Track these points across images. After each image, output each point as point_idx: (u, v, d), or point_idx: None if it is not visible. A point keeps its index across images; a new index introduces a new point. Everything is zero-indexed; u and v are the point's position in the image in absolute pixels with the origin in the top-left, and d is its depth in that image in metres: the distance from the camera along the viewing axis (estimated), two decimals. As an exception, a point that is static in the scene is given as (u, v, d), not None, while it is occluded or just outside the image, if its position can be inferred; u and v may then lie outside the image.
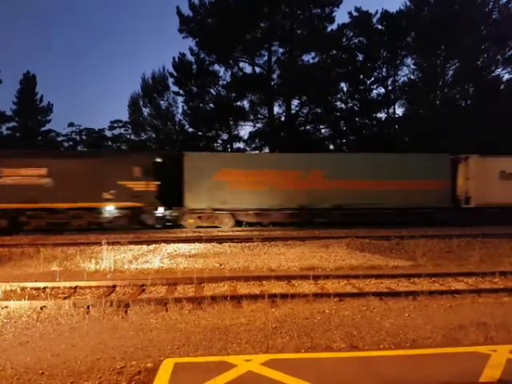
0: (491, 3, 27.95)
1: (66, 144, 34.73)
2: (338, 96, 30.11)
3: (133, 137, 33.88)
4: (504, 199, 16.47)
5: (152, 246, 11.15)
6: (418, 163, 16.80)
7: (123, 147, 33.65)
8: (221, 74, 29.27)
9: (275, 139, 28.56)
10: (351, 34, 29.67)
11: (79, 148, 34.49)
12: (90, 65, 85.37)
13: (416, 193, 16.20)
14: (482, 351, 3.74)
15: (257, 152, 19.83)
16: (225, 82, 29.42)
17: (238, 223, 16.36)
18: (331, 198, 16.03)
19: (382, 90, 31.03)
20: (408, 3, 29.87)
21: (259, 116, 30.32)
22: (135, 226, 15.29)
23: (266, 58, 28.77)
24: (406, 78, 30.77)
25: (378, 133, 29.87)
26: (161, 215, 15.79)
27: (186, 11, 28.12)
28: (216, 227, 15.58)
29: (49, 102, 34.84)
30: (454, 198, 16.93)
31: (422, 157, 17.32)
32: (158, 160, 15.78)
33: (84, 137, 35.58)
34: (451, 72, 29.49)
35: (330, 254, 9.71)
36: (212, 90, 29.80)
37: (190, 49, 28.78)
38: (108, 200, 14.88)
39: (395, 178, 16.28)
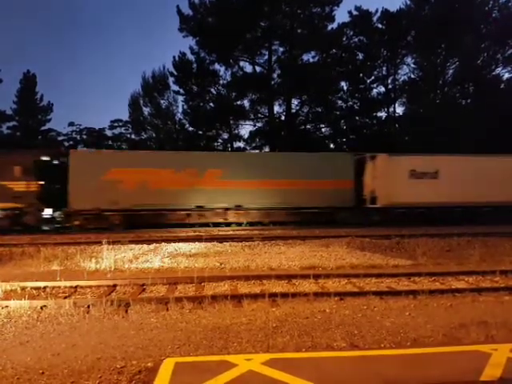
0: (491, 2, 27.94)
1: (66, 143, 34.74)
2: (339, 95, 30.14)
3: (133, 136, 33.92)
4: (413, 199, 16.14)
5: (152, 246, 11.16)
6: (319, 163, 16.55)
7: (124, 146, 33.66)
8: (221, 73, 29.33)
9: (275, 138, 28.56)
10: (351, 33, 29.68)
11: (79, 147, 34.49)
12: (91, 64, 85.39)
13: (317, 192, 15.98)
14: (482, 350, 3.73)
15: (151, 151, 19.09)
16: (225, 81, 29.47)
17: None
18: (228, 198, 15.75)
19: (383, 89, 31.08)
20: (408, 2, 29.91)
21: (259, 115, 30.33)
22: (17, 228, 14.50)
23: (266, 57, 28.80)
24: (406, 77, 30.84)
25: (378, 132, 29.86)
26: (49, 217, 15.16)
27: (186, 10, 28.18)
28: (106, 229, 14.57)
29: (49, 102, 34.91)
30: (360, 197, 16.66)
31: (323, 156, 17.12)
32: (45, 158, 15.05)
33: (84, 136, 35.60)
34: (451, 71, 29.52)
35: (330, 253, 9.71)
36: (212, 89, 29.83)
37: (191, 48, 28.83)
38: None
39: (295, 177, 16.03)
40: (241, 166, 16.05)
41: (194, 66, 29.07)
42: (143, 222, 15.27)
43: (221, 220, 16.02)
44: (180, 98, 30.69)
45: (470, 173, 16.43)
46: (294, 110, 29.61)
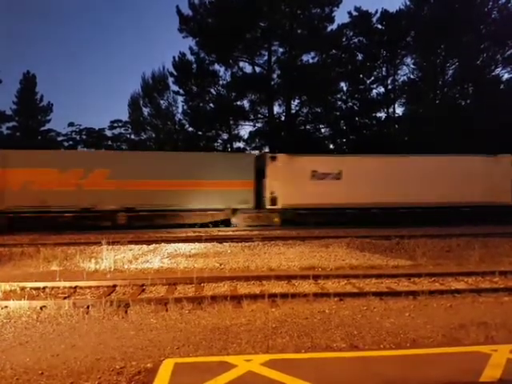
0: (490, 3, 27.93)
1: (66, 144, 34.75)
2: (338, 95, 30.13)
3: (133, 136, 33.90)
4: (316, 200, 15.66)
5: (152, 246, 11.15)
6: (217, 163, 15.92)
7: (123, 147, 33.67)
8: (221, 73, 29.31)
9: (275, 139, 28.55)
10: (351, 33, 29.67)
11: (79, 148, 34.50)
12: (90, 64, 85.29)
13: (214, 193, 15.46)
14: (482, 351, 3.73)
15: (36, 150, 18.34)
16: (225, 82, 29.44)
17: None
18: (118, 200, 14.96)
19: (382, 90, 31.05)
20: (408, 3, 29.88)
21: (259, 116, 30.32)
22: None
23: (265, 57, 28.78)
24: (405, 78, 30.80)
25: (377, 132, 29.87)
26: None
27: (186, 11, 28.14)
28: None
29: (49, 102, 34.89)
30: (261, 199, 16.09)
31: (221, 156, 16.69)
32: None
33: (84, 136, 35.60)
34: (451, 71, 29.51)
35: (330, 254, 9.71)
36: (212, 90, 29.81)
37: (190, 48, 28.81)
38: None
39: (190, 178, 15.29)
40: (131, 166, 15.15)
41: (194, 66, 29.07)
42: (26, 225, 14.25)
43: (109, 224, 14.88)
44: (180, 99, 30.70)
45: (376, 173, 16.12)
46: (293, 111, 29.63)
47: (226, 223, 15.96)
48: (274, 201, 15.84)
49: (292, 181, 15.82)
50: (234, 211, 15.85)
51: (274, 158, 16.23)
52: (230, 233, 14.43)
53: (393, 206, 16.17)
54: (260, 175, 16.23)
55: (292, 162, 16.15)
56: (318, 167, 16.19)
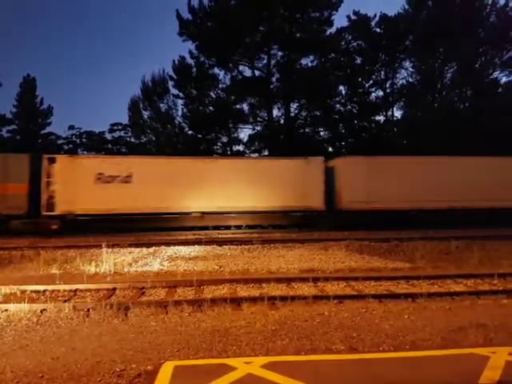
0: (489, 6, 28.13)
1: (66, 147, 34.79)
2: (337, 99, 30.24)
3: (133, 139, 33.96)
4: (101, 205, 14.63)
5: (152, 249, 11.16)
6: None
7: (123, 150, 33.71)
8: (220, 77, 29.43)
9: (274, 142, 28.61)
10: (350, 37, 29.85)
11: (79, 151, 34.54)
12: (90, 67, 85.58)
13: None
14: (481, 353, 3.75)
15: None
16: (224, 85, 29.56)
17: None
18: None
19: (381, 93, 31.21)
20: (406, 6, 30.10)
21: (258, 119, 30.41)
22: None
23: (265, 61, 28.91)
24: (404, 81, 30.98)
25: (376, 135, 29.95)
26: None
27: (186, 15, 28.30)
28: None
29: (49, 105, 34.97)
30: (37, 204, 14.58)
31: None
32: None
33: (84, 140, 35.67)
34: (449, 75, 29.67)
35: (329, 257, 9.72)
36: (212, 93, 29.93)
37: (190, 52, 28.95)
38: None
39: None
40: None
41: (194, 69, 29.20)
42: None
43: None
44: (179, 102, 30.79)
45: (171, 176, 15.33)
46: (292, 114, 29.73)
47: None
48: (51, 206, 14.54)
49: (74, 185, 14.60)
50: (7, 218, 14.24)
51: (52, 160, 14.88)
52: (230, 235, 14.45)
53: (189, 212, 15.58)
54: (36, 178, 14.80)
55: (74, 163, 14.99)
56: (104, 169, 15.09)
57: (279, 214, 16.28)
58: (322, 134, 31.06)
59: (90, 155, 16.10)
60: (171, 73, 29.73)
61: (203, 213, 15.67)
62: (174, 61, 29.42)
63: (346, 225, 15.69)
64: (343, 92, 30.33)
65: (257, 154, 30.24)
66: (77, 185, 14.71)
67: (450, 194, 16.37)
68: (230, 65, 29.00)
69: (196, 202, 15.57)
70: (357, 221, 15.99)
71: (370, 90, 30.87)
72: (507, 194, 16.41)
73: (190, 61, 29.15)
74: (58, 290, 6.60)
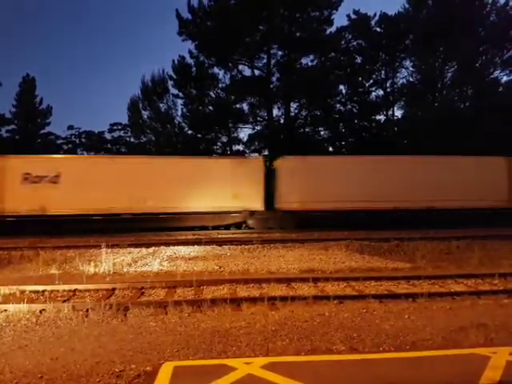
0: (489, 5, 28.09)
1: (65, 147, 34.78)
2: (337, 98, 30.18)
3: (132, 139, 33.94)
4: (29, 206, 14.19)
5: (151, 249, 11.14)
6: None
7: (123, 150, 33.70)
8: (220, 76, 29.39)
9: (274, 142, 28.59)
10: (350, 36, 29.79)
11: (79, 151, 34.53)
12: (90, 67, 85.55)
13: None
14: (482, 353, 3.73)
15: None
16: (224, 85, 29.52)
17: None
18: None
19: (381, 93, 31.15)
20: (406, 6, 30.03)
21: (258, 118, 30.37)
22: None
23: (265, 60, 28.87)
24: (404, 81, 30.92)
25: (377, 135, 29.93)
26: None
27: (186, 14, 28.25)
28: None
29: (48, 105, 34.93)
30: None
31: None
32: None
33: (83, 139, 35.65)
34: (450, 74, 29.61)
35: (329, 257, 9.71)
36: (211, 93, 29.89)
37: (190, 51, 28.90)
38: None
39: None
40: None
41: (193, 69, 29.15)
42: None
43: None
44: (179, 102, 30.76)
45: (99, 176, 14.96)
46: (292, 114, 29.69)
47: None
48: None
49: (2, 184, 14.30)
50: None
51: None
52: (230, 235, 14.43)
53: (118, 213, 15.22)
54: None
55: (4, 163, 14.59)
56: (31, 169, 14.63)
57: (218, 215, 16.00)
58: (322, 133, 31.05)
59: (18, 156, 15.37)
60: (171, 72, 29.74)
61: (134, 214, 15.26)
62: (173, 60, 29.43)
63: (283, 226, 15.76)
64: (343, 91, 30.33)
65: (256, 154, 30.23)
66: (4, 185, 14.47)
67: (392, 194, 16.26)
68: (230, 64, 28.97)
69: (127, 202, 15.12)
70: (295, 221, 15.93)
71: (371, 89, 30.85)
72: (446, 193, 16.33)
73: (189, 60, 29.16)
74: (57, 291, 6.59)
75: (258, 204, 16.10)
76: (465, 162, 17.48)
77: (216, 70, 29.19)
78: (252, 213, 16.17)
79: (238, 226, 16.33)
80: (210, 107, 29.85)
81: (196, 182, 15.76)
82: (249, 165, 16.53)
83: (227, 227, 16.21)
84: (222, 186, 15.89)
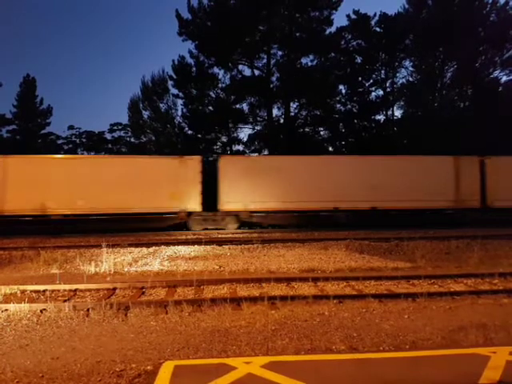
0: (489, 5, 28.10)
1: (65, 147, 34.80)
2: (337, 98, 30.20)
3: (132, 139, 33.96)
4: None
5: (152, 249, 11.15)
6: None
7: (123, 150, 33.71)
8: (220, 76, 29.40)
9: (274, 141, 28.62)
10: (350, 36, 29.80)
11: (79, 151, 34.54)
12: (90, 68, 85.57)
13: None
14: (481, 353, 3.74)
15: None
16: (224, 85, 29.53)
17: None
18: None
19: (381, 92, 31.17)
20: (406, 6, 30.06)
21: (258, 118, 30.38)
22: None
23: (264, 60, 28.88)
24: (404, 80, 30.94)
25: (376, 135, 29.95)
26: None
27: (186, 14, 28.28)
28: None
29: (49, 105, 35.01)
30: None
31: None
32: None
33: (84, 139, 35.66)
34: (449, 74, 29.63)
35: (329, 256, 9.72)
36: (211, 93, 29.89)
37: (190, 51, 28.94)
38: None
39: None
40: None
41: (193, 69, 29.17)
42: None
43: None
44: (179, 102, 30.79)
45: (30, 176, 14.39)
46: (292, 114, 29.69)
47: None
48: None
49: None
50: None
51: None
52: (230, 235, 14.44)
53: (49, 214, 14.72)
54: None
55: None
56: None
57: (153, 216, 15.51)
58: (322, 133, 31.07)
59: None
60: (171, 72, 29.77)
61: (65, 215, 14.92)
62: (173, 60, 29.46)
63: (225, 226, 15.58)
64: (343, 91, 30.35)
65: (256, 154, 30.24)
66: None
67: (335, 195, 16.05)
68: (230, 64, 28.98)
69: (58, 203, 14.79)
70: (237, 222, 15.79)
71: (370, 89, 30.86)
72: (391, 193, 16.11)
73: (189, 60, 29.18)
74: (58, 290, 6.60)
75: (195, 204, 15.67)
76: (412, 161, 17.23)
77: (216, 69, 29.24)
78: (189, 213, 15.76)
79: (176, 227, 15.61)
80: (210, 107, 29.88)
81: (132, 181, 15.27)
82: (186, 164, 15.88)
83: (166, 229, 15.50)
84: (159, 186, 15.39)
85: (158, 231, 15.13)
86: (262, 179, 16.02)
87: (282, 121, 29.77)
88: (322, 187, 16.10)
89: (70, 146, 35.03)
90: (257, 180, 16.01)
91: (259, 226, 16.20)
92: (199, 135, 30.28)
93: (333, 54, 29.39)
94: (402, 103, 31.38)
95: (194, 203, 15.71)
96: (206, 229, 15.76)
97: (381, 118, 31.30)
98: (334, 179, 16.25)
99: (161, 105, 31.33)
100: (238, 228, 15.89)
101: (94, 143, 34.98)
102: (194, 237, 13.82)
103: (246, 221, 16.18)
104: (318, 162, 17.19)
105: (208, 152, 27.94)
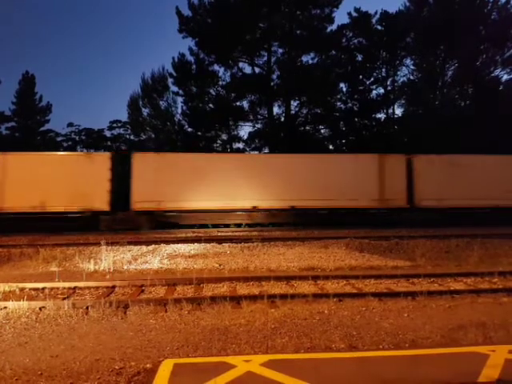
0: (490, 4, 28.01)
1: (65, 144, 34.72)
2: (338, 96, 30.10)
3: (132, 137, 33.89)
4: None
5: (151, 247, 11.15)
6: None
7: (122, 147, 33.64)
8: (220, 74, 29.29)
9: (275, 139, 28.57)
10: (350, 34, 29.67)
11: (78, 148, 34.48)
12: (89, 65, 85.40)
13: None
14: (480, 351, 3.74)
15: None
16: (224, 83, 29.42)
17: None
18: None
19: (382, 91, 31.06)
20: (407, 4, 29.94)
21: (259, 116, 30.30)
22: None
23: (265, 58, 28.78)
24: (405, 79, 30.83)
25: (377, 133, 29.90)
26: None
27: (186, 11, 28.15)
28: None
29: (48, 102, 34.88)
30: None
31: None
32: None
33: (83, 137, 35.54)
34: (450, 72, 29.56)
35: (329, 255, 9.71)
36: (211, 91, 29.79)
37: (190, 49, 28.81)
38: None
39: None
40: None
41: (194, 66, 29.06)
42: None
43: None
44: (179, 99, 30.68)
45: None
46: (293, 112, 29.63)
47: None
48: None
49: None
50: None
51: None
52: (230, 233, 14.44)
53: None
54: None
55: None
56: None
57: (57, 215, 14.72)
58: (322, 131, 30.99)
59: None
60: (171, 70, 29.64)
61: None
62: (173, 58, 29.31)
63: (137, 227, 14.79)
64: (344, 89, 30.24)
65: (257, 152, 30.20)
66: None
67: (253, 193, 15.59)
68: (230, 62, 28.88)
69: None
70: (151, 222, 15.14)
71: (371, 87, 30.76)
72: (312, 193, 15.71)
73: (189, 58, 29.05)
74: (57, 288, 6.61)
75: (102, 204, 14.90)
76: (337, 159, 16.96)
77: (216, 67, 29.13)
78: (96, 213, 14.97)
79: (88, 227, 14.64)
80: (210, 105, 29.81)
81: (38, 179, 14.54)
82: (94, 161, 15.18)
83: (78, 229, 14.43)
84: (65, 184, 14.65)
85: (71, 231, 14.22)
86: (176, 177, 15.27)
87: (282, 119, 29.71)
88: (239, 186, 15.48)
89: (70, 143, 34.94)
90: (171, 178, 15.22)
91: (177, 227, 15.27)
92: (199, 133, 30.21)
93: (334, 52, 29.30)
94: (402, 101, 31.32)
95: (101, 202, 14.85)
96: (116, 230, 14.62)
97: (381, 116, 31.26)
98: (252, 178, 15.63)
99: (161, 102, 31.26)
100: (153, 229, 14.82)
101: (93, 141, 34.87)
102: (194, 235, 13.83)
103: (160, 221, 15.33)
104: (235, 161, 16.52)
105: (208, 150, 27.90)
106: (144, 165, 15.43)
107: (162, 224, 15.44)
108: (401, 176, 16.68)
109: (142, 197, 15.10)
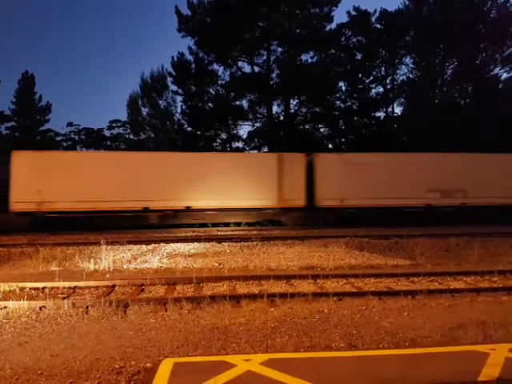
0: (489, 2, 27.98)
1: (64, 144, 34.68)
2: (337, 95, 30.11)
3: (131, 136, 33.85)
4: None
5: (151, 246, 11.15)
6: None
7: (122, 147, 33.61)
8: (220, 73, 29.27)
9: (274, 138, 28.55)
10: (350, 33, 29.67)
11: (78, 148, 34.44)
12: (89, 64, 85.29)
13: None
14: (480, 350, 3.74)
15: None
16: (224, 82, 29.41)
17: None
18: None
19: (381, 89, 31.07)
20: (407, 2, 29.93)
21: (258, 115, 30.29)
22: None
23: (264, 57, 28.75)
24: (404, 77, 30.87)
25: (376, 132, 29.89)
26: None
27: (185, 10, 28.12)
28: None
29: (47, 102, 34.82)
30: None
31: None
32: None
33: (83, 136, 35.50)
34: (450, 71, 29.55)
35: (329, 254, 9.72)
36: (211, 90, 29.77)
37: (189, 48, 28.79)
38: None
39: None
40: None
41: (193, 66, 29.04)
42: None
43: None
44: (179, 99, 30.66)
45: None
46: (292, 111, 29.61)
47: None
48: None
49: None
50: None
51: None
52: (229, 232, 14.44)
53: None
54: None
55: None
56: None
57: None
58: (321, 130, 30.98)
59: None
60: (170, 69, 29.62)
61: None
62: (172, 57, 29.29)
63: (14, 229, 14.02)
64: (343, 88, 30.24)
65: (256, 151, 30.18)
66: None
67: (143, 193, 15.05)
68: (230, 61, 28.85)
69: None
70: (32, 224, 14.43)
71: (370, 86, 30.76)
72: (207, 193, 15.36)
73: (189, 57, 29.03)
74: (57, 287, 6.61)
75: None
76: (234, 158, 16.61)
77: (215, 66, 29.11)
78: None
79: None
80: (210, 104, 29.78)
81: None
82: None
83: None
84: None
85: None
86: (58, 176, 14.54)
87: (281, 118, 29.69)
88: (99, 184, 14.84)
89: (69, 142, 34.90)
90: (53, 177, 14.49)
91: (56, 230, 14.20)
92: (199, 132, 30.18)
93: (333, 51, 29.27)
94: (402, 100, 31.34)
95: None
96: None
97: (381, 114, 31.25)
98: (143, 178, 15.10)
99: (160, 101, 31.24)
100: (35, 231, 13.88)
101: (92, 140, 34.83)
102: (193, 234, 13.83)
103: (40, 222, 14.55)
104: (104, 159, 16.05)
105: (208, 149, 27.88)
106: (24, 163, 14.61)
107: (44, 226, 14.38)
108: (300, 175, 16.31)
109: (20, 197, 14.35)
